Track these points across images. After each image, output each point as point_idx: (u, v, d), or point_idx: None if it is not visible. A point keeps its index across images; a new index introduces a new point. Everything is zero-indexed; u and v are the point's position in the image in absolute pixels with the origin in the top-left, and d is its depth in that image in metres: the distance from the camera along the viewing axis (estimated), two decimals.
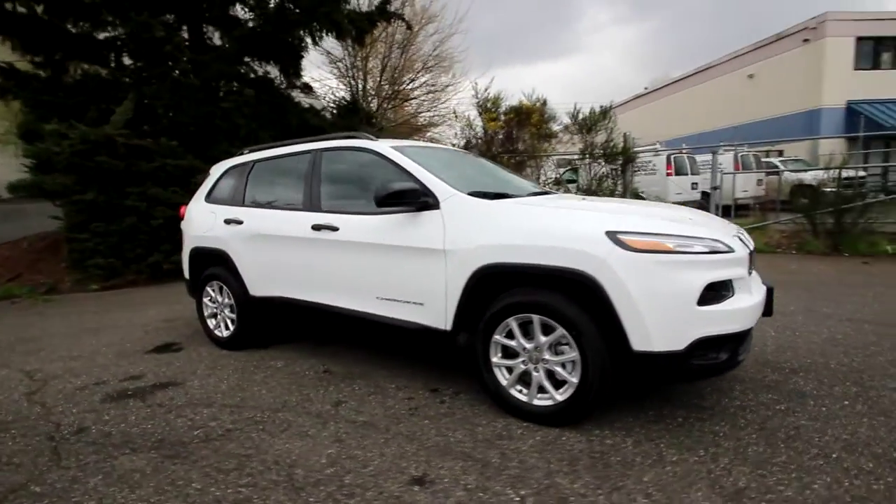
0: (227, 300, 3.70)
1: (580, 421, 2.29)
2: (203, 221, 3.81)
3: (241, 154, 3.95)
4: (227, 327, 3.76)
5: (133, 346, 4.02)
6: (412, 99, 16.06)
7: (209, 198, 3.93)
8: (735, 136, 15.31)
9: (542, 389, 2.31)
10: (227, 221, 3.60)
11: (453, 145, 9.68)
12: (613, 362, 2.12)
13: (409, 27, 11.71)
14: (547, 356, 2.26)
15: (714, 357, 2.08)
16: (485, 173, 3.43)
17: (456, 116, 11.16)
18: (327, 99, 12.83)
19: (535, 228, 2.27)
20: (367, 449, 2.20)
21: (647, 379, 2.38)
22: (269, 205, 3.45)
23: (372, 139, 3.11)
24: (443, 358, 3.26)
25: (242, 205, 3.62)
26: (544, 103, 11.41)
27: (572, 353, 2.18)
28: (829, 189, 9.67)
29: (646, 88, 26.85)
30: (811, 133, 16.24)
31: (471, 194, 2.58)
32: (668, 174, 12.63)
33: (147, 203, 7.09)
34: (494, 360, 2.42)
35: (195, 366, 3.43)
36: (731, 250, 2.12)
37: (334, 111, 11.26)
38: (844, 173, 10.77)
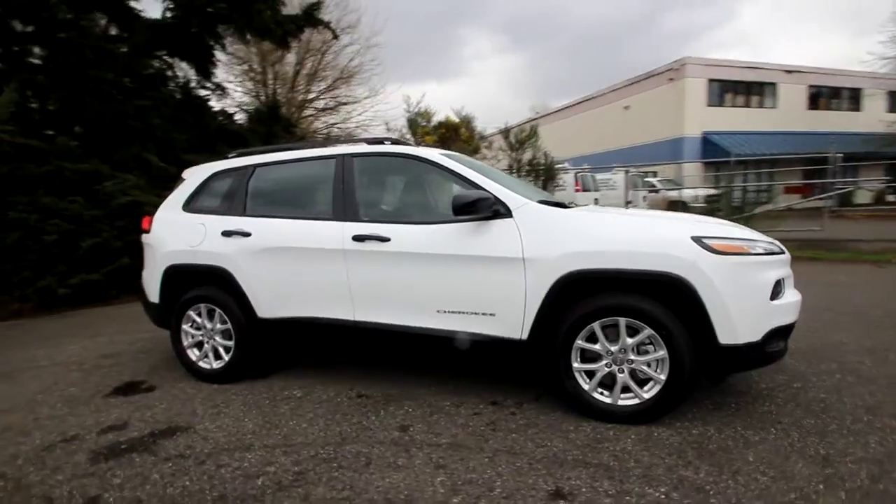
0: (219, 325, 3.19)
1: (663, 417, 2.42)
2: (185, 234, 3.24)
3: (228, 157, 3.47)
4: (218, 357, 3.23)
5: (81, 390, 3.24)
6: (327, 109, 15.47)
7: (190, 207, 3.36)
8: (613, 159, 17.55)
9: (625, 389, 2.40)
10: (227, 234, 3.11)
11: None
12: (698, 357, 2.30)
13: (335, 36, 11.33)
14: (632, 356, 2.36)
15: (777, 345, 2.36)
16: (516, 182, 3.47)
17: (388, 130, 11.03)
18: (242, 104, 11.79)
19: (620, 235, 2.38)
20: (478, 471, 2.07)
21: (726, 370, 2.60)
22: (284, 214, 3.07)
23: (412, 145, 2.97)
24: (473, 369, 3.19)
25: (244, 214, 3.17)
26: (470, 120, 11.88)
27: (659, 352, 2.31)
28: (696, 204, 11.67)
29: (537, 113, 29.34)
30: (676, 158, 19.25)
31: (539, 202, 2.61)
32: (577, 190, 13.92)
33: (38, 215, 5.79)
34: (576, 365, 2.45)
35: (189, 405, 2.89)
36: (783, 252, 2.45)
37: (253, 116, 10.40)
38: (709, 192, 13.06)
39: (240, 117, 10.46)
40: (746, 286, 2.25)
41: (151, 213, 3.54)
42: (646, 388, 2.37)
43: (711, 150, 19.17)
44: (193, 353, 3.29)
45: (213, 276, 3.16)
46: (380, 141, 3.08)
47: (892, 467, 1.98)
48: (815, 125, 21.60)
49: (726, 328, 2.23)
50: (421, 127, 10.55)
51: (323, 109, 15.37)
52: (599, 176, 15.04)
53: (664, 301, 2.30)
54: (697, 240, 2.27)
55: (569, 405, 2.53)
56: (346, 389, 3.03)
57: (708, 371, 2.47)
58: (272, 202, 3.19)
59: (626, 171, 14.33)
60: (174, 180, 7.40)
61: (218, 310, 3.16)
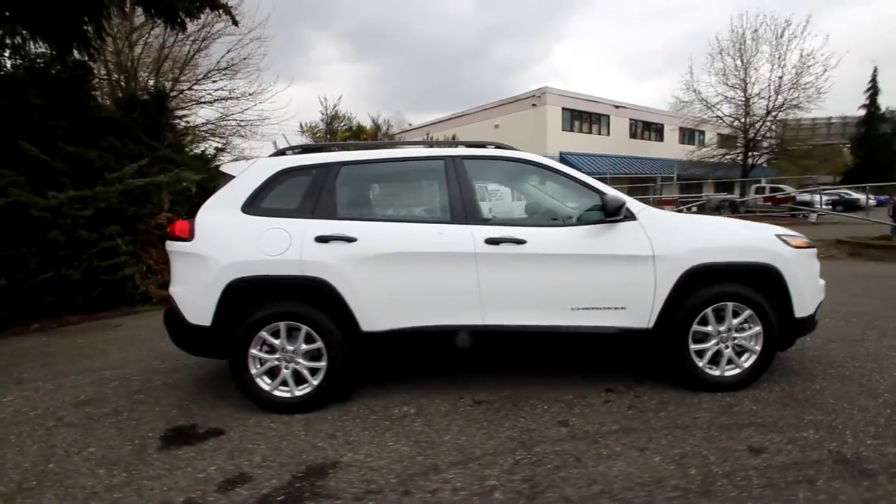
0: (304, 346, 2.76)
1: (757, 380, 2.95)
2: (258, 241, 2.72)
3: (291, 153, 3.02)
4: (301, 382, 2.79)
5: (113, 447, 2.47)
6: (203, 102, 13.56)
7: (254, 208, 2.82)
8: None
9: (728, 362, 2.89)
10: (323, 239, 2.72)
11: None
12: (781, 329, 2.90)
13: (235, 22, 10.07)
14: (735, 334, 2.86)
15: (816, 317, 3.11)
16: None
17: (303, 132, 10.27)
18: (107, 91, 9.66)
19: (727, 235, 2.87)
20: (676, 446, 2.29)
21: (795, 338, 3.17)
22: (392, 217, 2.82)
23: (516, 150, 3.04)
24: (551, 363, 3.37)
25: (337, 217, 2.81)
26: (379, 126, 11.80)
27: (755, 328, 2.85)
28: None
29: (410, 125, 30.26)
30: None
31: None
32: None
33: None
34: (692, 347, 2.85)
35: (299, 440, 2.47)
36: (814, 246, 3.22)
37: (135, 105, 8.62)
38: None
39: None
40: (810, 271, 2.94)
41: (184, 218, 2.87)
42: (742, 358, 2.89)
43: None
44: (264, 382, 2.78)
45: (302, 289, 2.74)
46: (482, 145, 3.07)
47: None
48: (635, 151, 26.87)
49: (799, 304, 2.87)
50: (341, 131, 10.05)
51: (199, 102, 13.42)
52: (490, 187, 16.33)
53: (757, 287, 2.86)
54: (780, 237, 2.88)
55: (684, 383, 2.91)
56: (455, 398, 2.93)
57: (782, 340, 3.07)
58: (370, 204, 2.91)
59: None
60: (58, 176, 5.88)
61: (304, 328, 2.74)
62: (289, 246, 2.72)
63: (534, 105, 23.18)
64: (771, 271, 2.82)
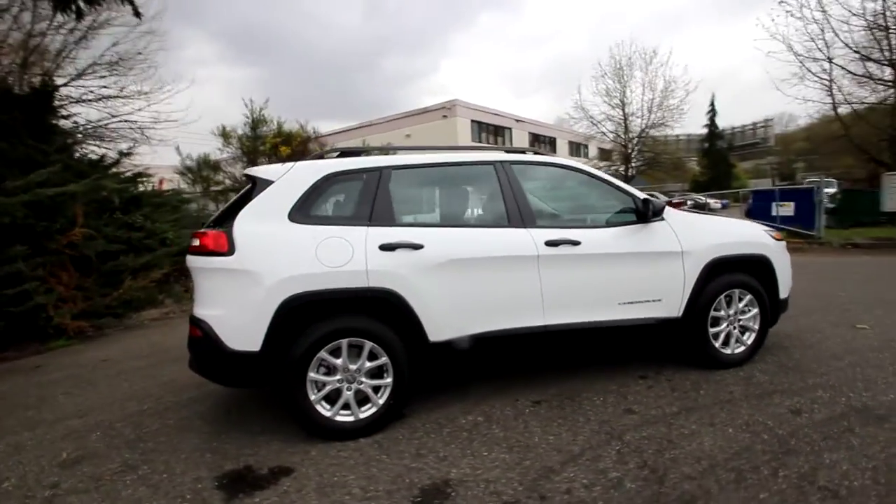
0: (367, 363, 2.57)
1: (755, 356, 3.42)
2: (315, 252, 2.46)
3: (330, 156, 2.78)
4: (363, 403, 2.58)
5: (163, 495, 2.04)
6: (86, 101, 11.49)
7: (303, 216, 2.54)
8: None
9: (737, 341, 3.32)
10: (388, 247, 2.55)
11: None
12: (771, 309, 3.41)
13: (137, 14, 8.77)
14: (741, 317, 3.31)
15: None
16: None
17: (225, 136, 9.31)
18: None
19: (733, 232, 3.31)
20: (737, 418, 2.57)
21: (778, 316, 3.68)
22: (451, 223, 2.74)
23: (547, 155, 3.17)
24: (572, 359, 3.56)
25: (395, 224, 2.65)
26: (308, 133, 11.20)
27: (754, 310, 3.32)
28: None
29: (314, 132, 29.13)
30: None
31: None
32: None
33: None
34: (711, 330, 3.23)
35: (390, 466, 2.29)
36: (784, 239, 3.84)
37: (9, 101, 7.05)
38: None
39: None
40: (786, 260, 3.51)
41: (214, 230, 2.49)
42: (745, 336, 3.35)
43: None
44: (323, 408, 2.52)
45: (367, 301, 2.54)
46: (521, 151, 3.13)
47: None
48: None
49: (783, 288, 3.42)
50: (269, 137, 9.26)
51: (79, 101, 11.34)
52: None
53: (754, 274, 3.34)
54: (767, 233, 3.41)
55: (702, 364, 3.27)
56: (511, 402, 2.94)
57: (772, 318, 3.57)
58: (426, 210, 2.80)
59: None
60: None
61: (368, 343, 2.55)
62: (351, 256, 2.52)
63: (444, 116, 23.92)
64: (764, 261, 3.32)
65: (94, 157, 9.24)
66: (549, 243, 2.83)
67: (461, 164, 2.97)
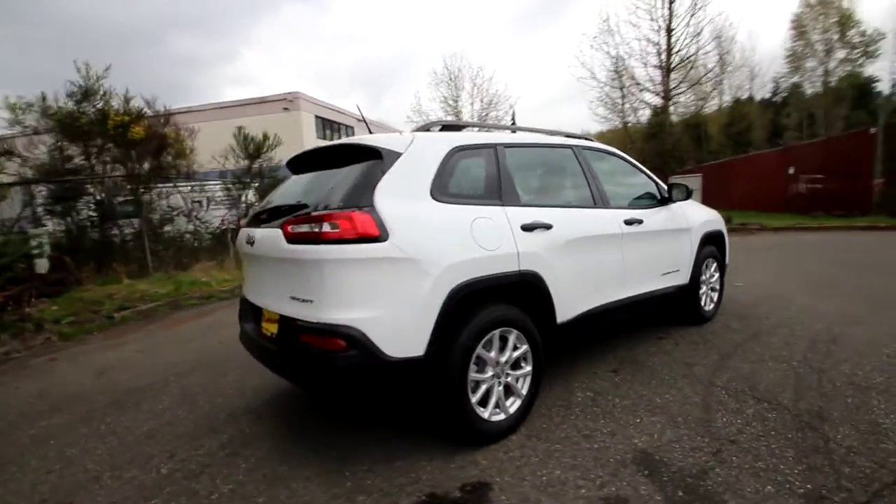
0: (513, 353, 2.38)
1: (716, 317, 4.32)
2: (472, 234, 2.14)
3: (440, 128, 2.42)
4: (509, 396, 2.39)
5: None
6: None
7: (444, 194, 2.16)
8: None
9: (711, 301, 4.15)
10: (528, 228, 2.37)
11: None
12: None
13: None
14: (711, 281, 4.15)
15: None
16: None
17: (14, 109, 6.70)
18: None
19: (710, 212, 4.10)
20: (761, 359, 3.25)
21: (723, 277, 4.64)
22: (554, 202, 2.70)
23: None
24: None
25: (520, 203, 2.47)
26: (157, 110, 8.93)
27: (717, 274, 4.21)
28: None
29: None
30: None
31: None
32: None
33: None
34: (702, 290, 3.96)
35: (585, 457, 2.22)
36: None
37: None
38: None
39: None
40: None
41: (360, 211, 1.94)
42: (715, 296, 4.21)
43: None
44: (479, 409, 2.26)
45: (515, 287, 2.34)
46: (586, 138, 3.27)
47: None
48: None
49: (727, 257, 4.42)
50: (114, 114, 6.89)
51: None
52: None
53: (716, 245, 4.21)
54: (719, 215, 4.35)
55: (693, 321, 3.98)
56: (591, 375, 3.10)
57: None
58: (538, 189, 2.69)
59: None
60: None
61: (514, 332, 2.37)
62: (501, 238, 2.29)
63: (286, 109, 21.83)
64: (722, 235, 4.24)
65: None
66: (627, 222, 3.08)
67: (552, 146, 2.97)
